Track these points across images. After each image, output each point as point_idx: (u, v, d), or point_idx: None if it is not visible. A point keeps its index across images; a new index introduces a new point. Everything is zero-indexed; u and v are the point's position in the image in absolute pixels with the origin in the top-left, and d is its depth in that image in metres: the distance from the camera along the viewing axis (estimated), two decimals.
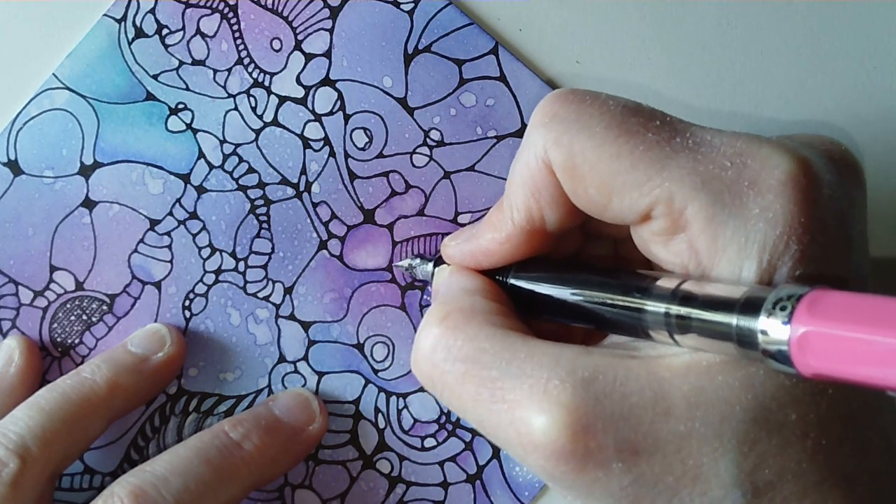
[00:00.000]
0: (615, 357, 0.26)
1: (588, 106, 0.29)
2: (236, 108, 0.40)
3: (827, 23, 0.40)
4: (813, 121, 0.40)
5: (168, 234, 0.40)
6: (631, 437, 0.25)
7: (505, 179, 0.39)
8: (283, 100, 0.40)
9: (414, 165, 0.40)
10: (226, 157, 0.40)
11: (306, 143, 0.40)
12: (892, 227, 0.39)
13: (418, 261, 0.38)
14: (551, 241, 0.31)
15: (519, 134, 0.40)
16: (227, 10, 0.40)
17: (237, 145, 0.40)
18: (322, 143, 0.40)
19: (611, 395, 0.25)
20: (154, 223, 0.40)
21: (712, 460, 0.25)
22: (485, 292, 0.31)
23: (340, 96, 0.40)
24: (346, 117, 0.40)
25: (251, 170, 0.40)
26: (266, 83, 0.40)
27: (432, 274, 0.36)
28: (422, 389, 0.40)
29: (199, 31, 0.40)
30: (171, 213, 0.40)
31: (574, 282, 0.30)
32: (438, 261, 0.36)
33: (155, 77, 0.40)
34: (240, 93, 0.40)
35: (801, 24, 0.40)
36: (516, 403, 0.26)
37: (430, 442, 0.40)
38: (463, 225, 0.40)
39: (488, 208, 0.39)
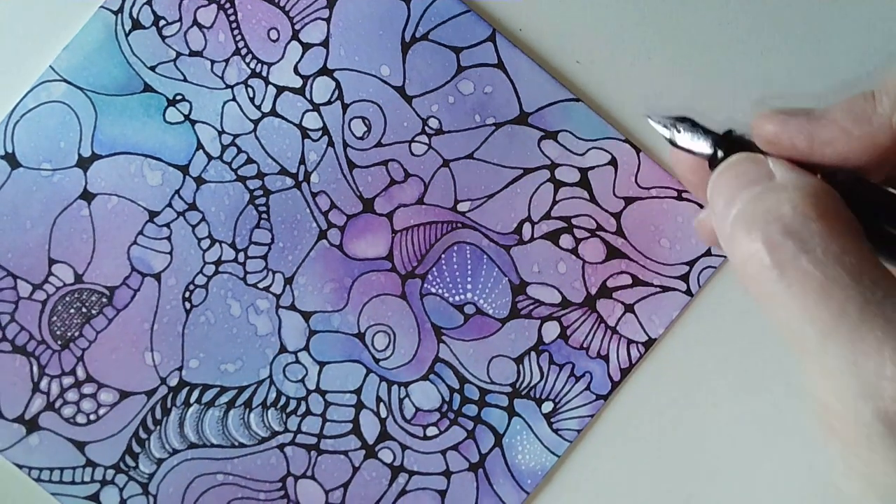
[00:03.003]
0: None
1: None
2: (234, 99, 0.40)
3: (827, 23, 0.40)
4: None
5: (167, 225, 0.40)
6: None
7: (504, 167, 0.39)
8: (281, 90, 0.40)
9: (413, 154, 0.40)
10: (224, 148, 0.40)
11: (305, 132, 0.40)
12: None
13: (686, 128, 0.28)
14: None
15: (518, 121, 0.40)
16: (224, 0, 0.40)
17: (236, 136, 0.40)
18: (320, 132, 0.40)
19: None
20: (153, 215, 0.40)
21: None
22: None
23: (338, 86, 0.40)
24: (345, 106, 0.40)
25: (250, 160, 0.40)
26: (264, 73, 0.40)
27: (714, 156, 0.27)
28: (423, 378, 0.40)
29: (196, 22, 0.40)
30: (170, 205, 0.40)
31: None
32: (722, 142, 0.27)
33: (152, 68, 0.40)
34: (238, 83, 0.40)
35: (801, 24, 0.40)
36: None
37: (431, 431, 0.40)
38: (464, 213, 0.40)
39: (488, 195, 0.40)
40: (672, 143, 0.27)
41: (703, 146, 0.26)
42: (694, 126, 0.26)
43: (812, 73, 0.40)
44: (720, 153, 0.25)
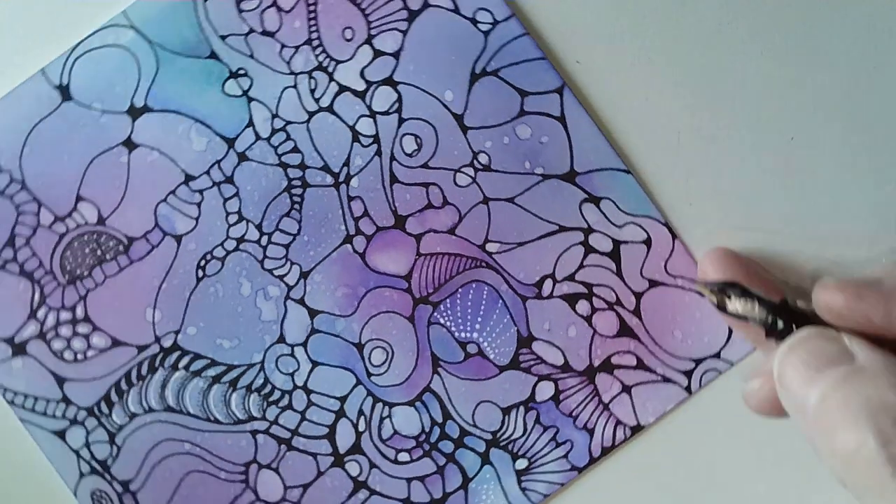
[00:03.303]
0: None
1: None
2: (295, 87, 0.40)
3: (827, 23, 0.39)
4: (813, 121, 0.39)
5: (200, 192, 0.40)
6: None
7: (541, 219, 0.39)
8: (342, 89, 0.40)
9: (456, 184, 0.40)
10: (274, 132, 0.40)
11: (356, 136, 0.40)
12: (892, 226, 0.39)
13: (737, 294, 0.30)
14: None
15: (566, 177, 0.39)
16: None
17: (288, 122, 0.40)
18: (371, 140, 0.40)
19: None
20: (189, 178, 0.40)
21: None
22: None
23: (399, 99, 0.40)
24: (401, 120, 0.40)
25: (296, 149, 0.40)
26: (330, 69, 0.40)
27: (771, 323, 0.28)
28: (409, 403, 0.40)
29: (275, 3, 0.40)
30: (207, 173, 0.40)
31: None
32: (779, 311, 0.28)
33: (223, 38, 0.40)
34: (302, 73, 0.40)
35: (801, 24, 0.39)
36: None
37: (403, 456, 0.40)
38: (491, 253, 0.39)
39: (519, 243, 0.39)
40: (721, 308, 0.26)
41: (757, 312, 0.25)
42: (745, 292, 0.26)
43: (812, 73, 0.39)
44: (780, 323, 0.25)
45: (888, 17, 0.40)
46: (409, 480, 0.40)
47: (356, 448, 0.40)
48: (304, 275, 0.40)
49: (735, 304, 0.29)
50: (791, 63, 0.40)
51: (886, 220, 0.39)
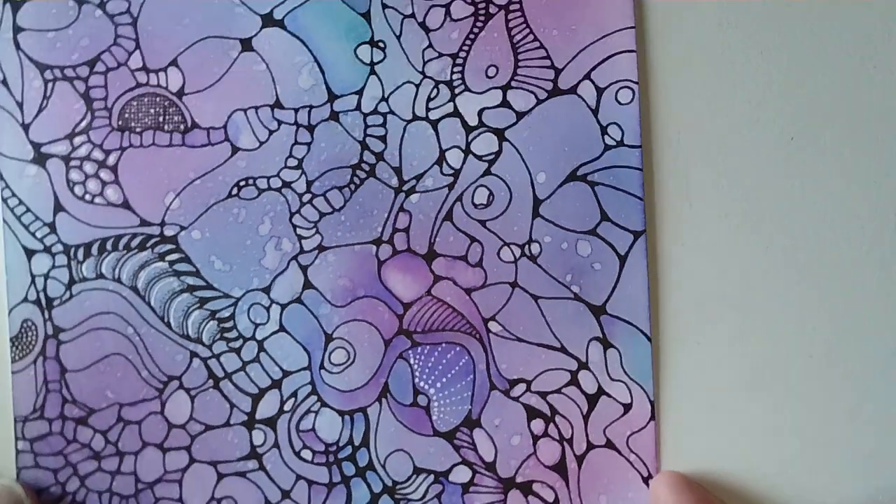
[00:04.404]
0: None
1: None
2: (417, 86, 0.40)
3: (827, 23, 0.40)
4: (813, 120, 0.40)
5: (280, 123, 0.40)
6: None
7: (550, 330, 0.39)
8: (455, 114, 0.40)
9: (498, 255, 0.40)
10: (374, 112, 0.40)
11: (441, 161, 0.40)
12: (892, 226, 0.40)
13: None
14: None
15: (594, 309, 0.40)
16: (482, 12, 0.40)
17: (390, 112, 0.40)
18: (452, 172, 0.40)
19: None
20: (278, 105, 0.40)
21: None
22: None
23: (499, 153, 0.40)
24: (486, 171, 0.40)
25: (383, 139, 0.40)
26: (457, 90, 0.40)
27: None
28: (341, 412, 0.40)
29: (449, 5, 0.40)
30: (296, 111, 0.40)
31: None
32: None
33: (385, 5, 0.40)
34: (429, 78, 0.40)
35: (801, 24, 0.40)
36: None
37: (306, 454, 0.40)
38: (490, 332, 0.40)
39: (518, 338, 0.40)
40: None
41: None
42: None
43: (812, 73, 0.40)
44: None
45: (888, 17, 0.40)
46: (298, 477, 0.40)
47: (271, 422, 0.40)
48: (321, 248, 0.40)
49: None
50: (791, 63, 0.40)
51: (886, 220, 0.40)
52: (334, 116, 0.40)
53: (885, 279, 0.39)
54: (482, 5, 0.40)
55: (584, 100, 0.40)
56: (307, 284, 0.40)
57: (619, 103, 0.40)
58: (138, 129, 0.39)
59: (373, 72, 0.40)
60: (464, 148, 0.40)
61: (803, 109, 0.40)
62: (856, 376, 0.40)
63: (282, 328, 0.40)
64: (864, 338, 0.39)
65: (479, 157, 0.40)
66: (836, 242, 0.39)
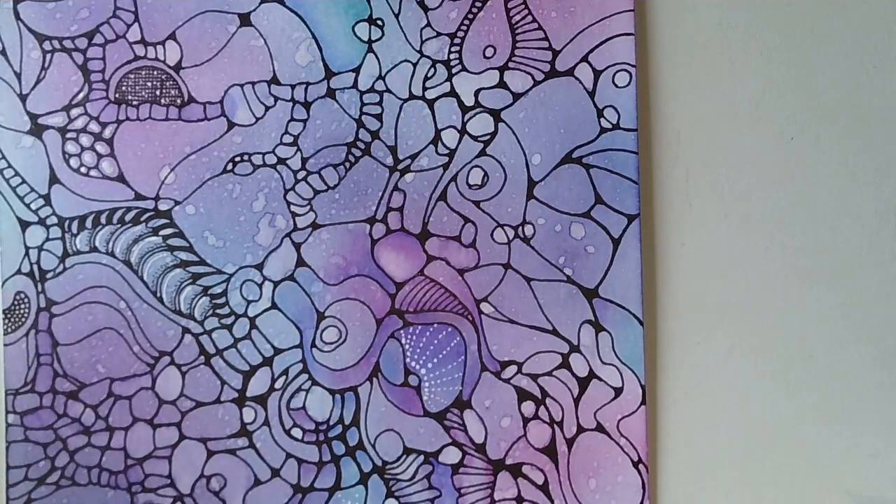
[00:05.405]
0: None
1: None
2: (414, 65, 0.40)
3: (827, 23, 0.40)
4: (813, 121, 0.40)
5: (276, 99, 0.40)
6: None
7: (543, 313, 0.39)
8: (453, 94, 0.40)
9: (492, 236, 0.40)
10: (371, 90, 0.40)
11: (437, 140, 0.40)
12: (892, 226, 0.39)
13: None
14: None
15: (586, 293, 0.40)
16: None
17: (387, 90, 0.40)
18: (447, 152, 0.40)
19: None
20: (275, 81, 0.40)
21: None
22: None
23: (494, 134, 0.40)
24: (482, 152, 0.40)
25: (378, 118, 0.40)
26: (454, 70, 0.40)
27: None
28: (331, 391, 0.40)
29: None
30: (292, 88, 0.40)
31: None
32: None
33: None
34: (427, 57, 0.40)
35: (801, 24, 0.40)
36: None
37: (296, 432, 0.40)
38: (482, 313, 0.39)
39: (510, 320, 0.39)
40: None
41: None
42: None
43: (812, 73, 0.40)
44: None
45: (888, 17, 0.40)
46: (288, 455, 0.40)
47: (261, 399, 0.40)
48: (315, 225, 0.40)
49: None
50: (791, 63, 0.40)
51: (886, 220, 0.40)
52: (331, 94, 0.40)
53: (885, 279, 0.39)
54: None
55: (581, 82, 0.40)
56: (300, 262, 0.40)
57: (616, 86, 0.40)
58: (135, 103, 0.39)
59: (370, 50, 0.40)
60: (459, 128, 0.40)
61: (803, 109, 0.40)
62: (856, 376, 0.40)
63: (274, 305, 0.40)
64: (864, 338, 0.39)
65: (475, 138, 0.40)
66: (836, 242, 0.39)
